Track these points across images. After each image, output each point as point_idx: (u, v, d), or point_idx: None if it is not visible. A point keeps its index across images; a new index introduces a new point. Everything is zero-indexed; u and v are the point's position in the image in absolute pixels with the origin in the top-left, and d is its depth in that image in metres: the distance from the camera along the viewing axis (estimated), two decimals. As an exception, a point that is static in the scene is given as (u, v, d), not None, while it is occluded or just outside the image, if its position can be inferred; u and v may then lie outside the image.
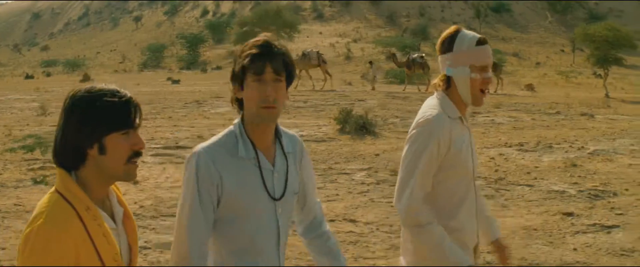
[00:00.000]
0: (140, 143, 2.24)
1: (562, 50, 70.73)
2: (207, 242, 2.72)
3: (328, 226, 3.18)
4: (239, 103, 2.75)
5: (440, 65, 3.44)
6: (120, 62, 70.79)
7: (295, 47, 58.05)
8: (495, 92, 29.36)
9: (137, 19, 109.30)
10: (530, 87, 37.00)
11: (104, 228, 2.18)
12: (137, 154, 2.25)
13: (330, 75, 34.07)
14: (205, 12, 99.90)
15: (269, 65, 2.63)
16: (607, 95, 31.70)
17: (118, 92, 2.20)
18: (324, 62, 33.85)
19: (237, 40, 64.21)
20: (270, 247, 2.79)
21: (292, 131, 3.03)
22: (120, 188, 2.43)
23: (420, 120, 3.31)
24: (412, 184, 3.24)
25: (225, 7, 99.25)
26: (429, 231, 3.26)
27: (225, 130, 2.79)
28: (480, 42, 3.36)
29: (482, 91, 3.36)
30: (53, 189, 2.21)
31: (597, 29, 37.22)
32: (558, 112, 22.67)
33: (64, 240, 2.06)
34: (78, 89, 2.22)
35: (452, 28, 3.46)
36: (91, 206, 2.17)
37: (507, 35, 79.76)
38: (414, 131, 3.31)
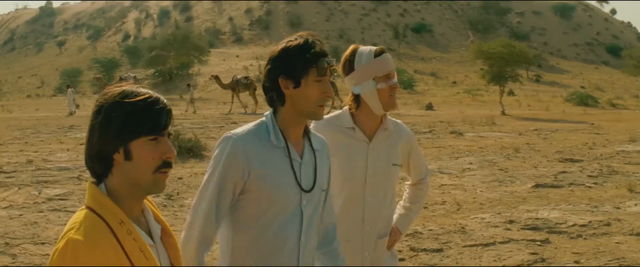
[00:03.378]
0: (170, 152, 2.08)
1: (482, 69, 72.23)
2: (216, 227, 2.71)
3: (338, 243, 3.15)
4: (280, 98, 2.73)
5: (348, 86, 3.59)
6: (38, 87, 70.17)
7: (209, 70, 58.57)
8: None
9: (61, 44, 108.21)
10: (429, 106, 37.78)
11: (140, 243, 2.03)
12: (167, 164, 2.08)
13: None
14: (126, 37, 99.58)
15: (328, 67, 2.70)
16: (503, 112, 32.77)
17: (149, 95, 2.07)
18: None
19: (147, 64, 65.55)
20: (291, 241, 2.74)
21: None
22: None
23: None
24: None
25: (146, 32, 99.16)
26: None
27: (256, 121, 2.81)
28: (378, 54, 3.49)
29: (392, 96, 3.49)
30: (83, 206, 2.07)
31: (491, 45, 38.11)
32: (431, 131, 23.28)
33: (94, 254, 1.91)
34: (107, 91, 2.09)
35: (349, 49, 3.60)
36: (125, 220, 2.02)
37: (427, 55, 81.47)
38: None
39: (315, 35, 2.76)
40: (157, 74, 64.93)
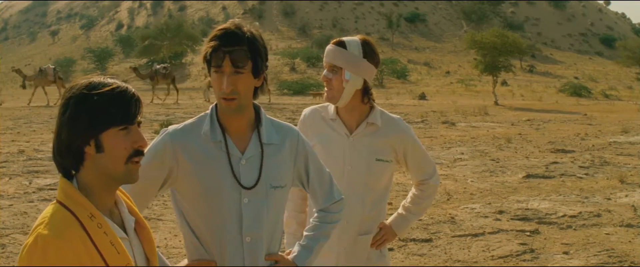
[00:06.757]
0: (142, 140, 2.07)
1: (475, 59, 72.39)
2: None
3: (329, 226, 2.98)
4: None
5: None
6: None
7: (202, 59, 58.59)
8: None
9: (54, 33, 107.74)
10: (422, 96, 37.82)
11: (111, 236, 2.00)
12: (139, 152, 2.08)
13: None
14: (120, 26, 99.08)
15: (227, 58, 2.51)
16: (496, 103, 32.78)
17: (117, 85, 2.04)
18: (60, 78, 33.55)
19: (140, 53, 65.54)
20: (231, 240, 2.64)
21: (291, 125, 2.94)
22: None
23: None
24: None
25: (140, 21, 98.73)
26: None
27: (201, 114, 2.76)
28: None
29: (325, 88, 3.48)
30: (54, 200, 2.04)
31: (484, 35, 37.94)
32: (424, 121, 23.31)
33: (63, 250, 1.88)
34: (75, 84, 2.05)
35: None
36: (95, 213, 1.99)
37: (421, 45, 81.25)
38: None
39: (235, 24, 2.60)
40: (150, 63, 64.72)
